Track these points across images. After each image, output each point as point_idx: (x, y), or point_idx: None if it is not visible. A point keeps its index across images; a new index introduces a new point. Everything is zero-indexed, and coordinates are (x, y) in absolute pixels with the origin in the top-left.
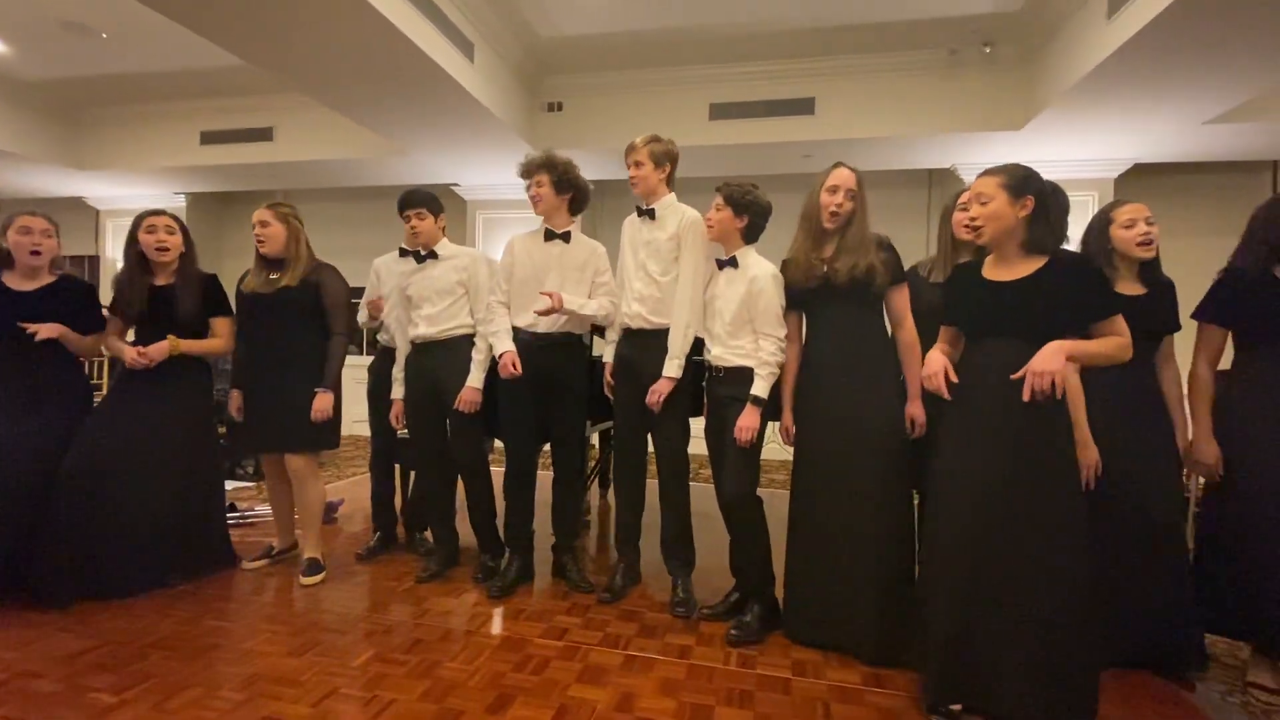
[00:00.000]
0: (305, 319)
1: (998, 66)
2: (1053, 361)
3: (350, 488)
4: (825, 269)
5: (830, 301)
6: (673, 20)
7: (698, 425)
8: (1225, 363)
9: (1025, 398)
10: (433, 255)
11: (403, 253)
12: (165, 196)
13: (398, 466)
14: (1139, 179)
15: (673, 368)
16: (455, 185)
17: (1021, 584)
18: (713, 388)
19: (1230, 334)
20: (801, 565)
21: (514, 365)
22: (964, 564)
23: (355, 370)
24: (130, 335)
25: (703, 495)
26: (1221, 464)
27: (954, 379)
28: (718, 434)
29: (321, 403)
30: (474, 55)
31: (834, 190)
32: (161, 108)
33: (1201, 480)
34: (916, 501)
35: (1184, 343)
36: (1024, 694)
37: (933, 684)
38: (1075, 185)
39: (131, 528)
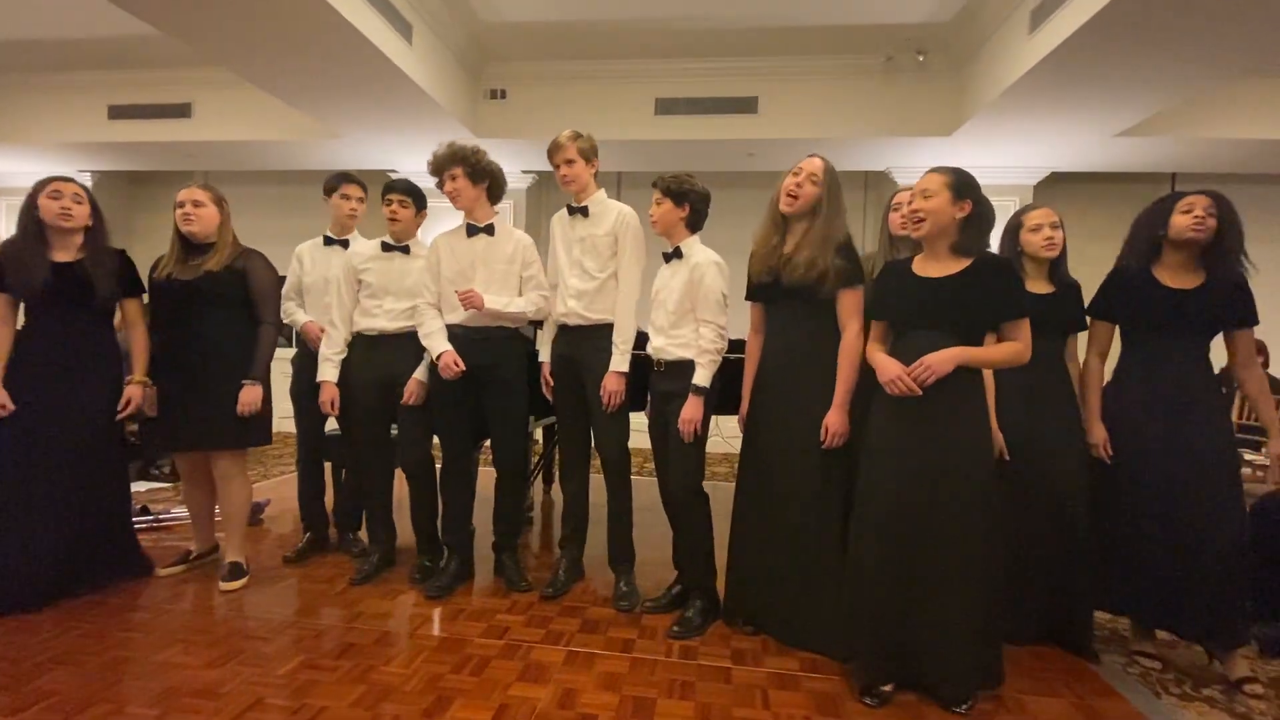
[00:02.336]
0: (230, 308)
1: (930, 74)
2: (942, 365)
3: (278, 487)
4: (780, 263)
5: (783, 297)
6: (619, 12)
7: (638, 419)
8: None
9: (918, 391)
10: (405, 250)
11: (328, 240)
12: (68, 175)
13: (328, 464)
14: (1056, 186)
15: (621, 361)
16: (393, 172)
17: (941, 562)
18: (655, 383)
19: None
20: (740, 553)
21: (456, 364)
22: (890, 545)
23: (281, 363)
24: (21, 316)
25: (646, 489)
26: (1108, 445)
27: (913, 387)
28: (661, 429)
29: (250, 395)
30: (412, 37)
31: (796, 172)
32: (64, 78)
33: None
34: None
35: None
36: (944, 666)
37: (865, 666)
38: (998, 191)
39: (28, 534)
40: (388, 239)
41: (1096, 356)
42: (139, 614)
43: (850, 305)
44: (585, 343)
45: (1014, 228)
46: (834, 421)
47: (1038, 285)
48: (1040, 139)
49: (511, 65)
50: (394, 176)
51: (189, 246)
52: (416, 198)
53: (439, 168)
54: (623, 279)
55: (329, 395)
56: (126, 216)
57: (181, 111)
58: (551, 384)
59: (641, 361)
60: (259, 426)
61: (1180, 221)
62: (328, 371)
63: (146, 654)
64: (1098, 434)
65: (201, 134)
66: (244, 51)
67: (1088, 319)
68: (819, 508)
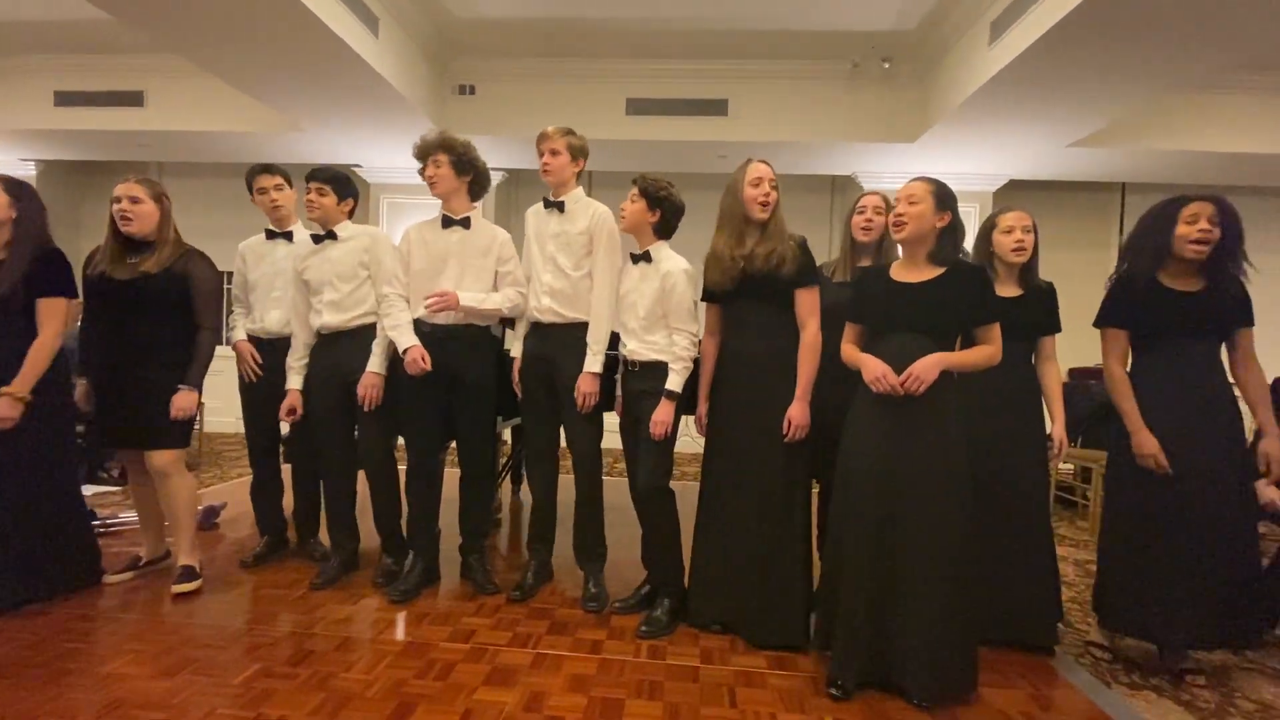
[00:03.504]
0: (169, 309)
1: (895, 82)
2: (930, 372)
3: (234, 490)
4: (744, 263)
5: (746, 296)
6: (590, 10)
7: (610, 419)
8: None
9: (900, 389)
10: (331, 236)
11: (269, 234)
12: (10, 163)
13: (286, 466)
14: (1014, 194)
15: (595, 363)
16: (358, 166)
17: (918, 562)
18: (627, 382)
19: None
20: (705, 552)
21: (423, 360)
22: (867, 545)
23: (221, 362)
24: None
25: (616, 489)
26: (1160, 456)
27: (896, 385)
28: (632, 428)
29: (184, 400)
30: (378, 29)
31: (758, 183)
32: (7, 61)
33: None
34: (817, 490)
35: (1063, 343)
36: (917, 665)
37: (839, 664)
38: (960, 197)
39: None
40: (317, 230)
41: (1117, 364)
42: (85, 623)
43: (808, 303)
44: (559, 341)
45: (988, 230)
46: (796, 414)
47: (1007, 289)
48: (999, 147)
49: (481, 61)
50: (359, 171)
51: (127, 243)
52: (338, 185)
53: (425, 151)
54: (597, 280)
55: (291, 403)
56: (73, 208)
57: (133, 99)
58: (518, 380)
59: (612, 361)
60: (181, 428)
61: (1184, 232)
62: (291, 379)
63: (92, 665)
64: (1149, 444)
65: (155, 123)
66: (200, 39)
67: (1100, 329)
68: (783, 502)
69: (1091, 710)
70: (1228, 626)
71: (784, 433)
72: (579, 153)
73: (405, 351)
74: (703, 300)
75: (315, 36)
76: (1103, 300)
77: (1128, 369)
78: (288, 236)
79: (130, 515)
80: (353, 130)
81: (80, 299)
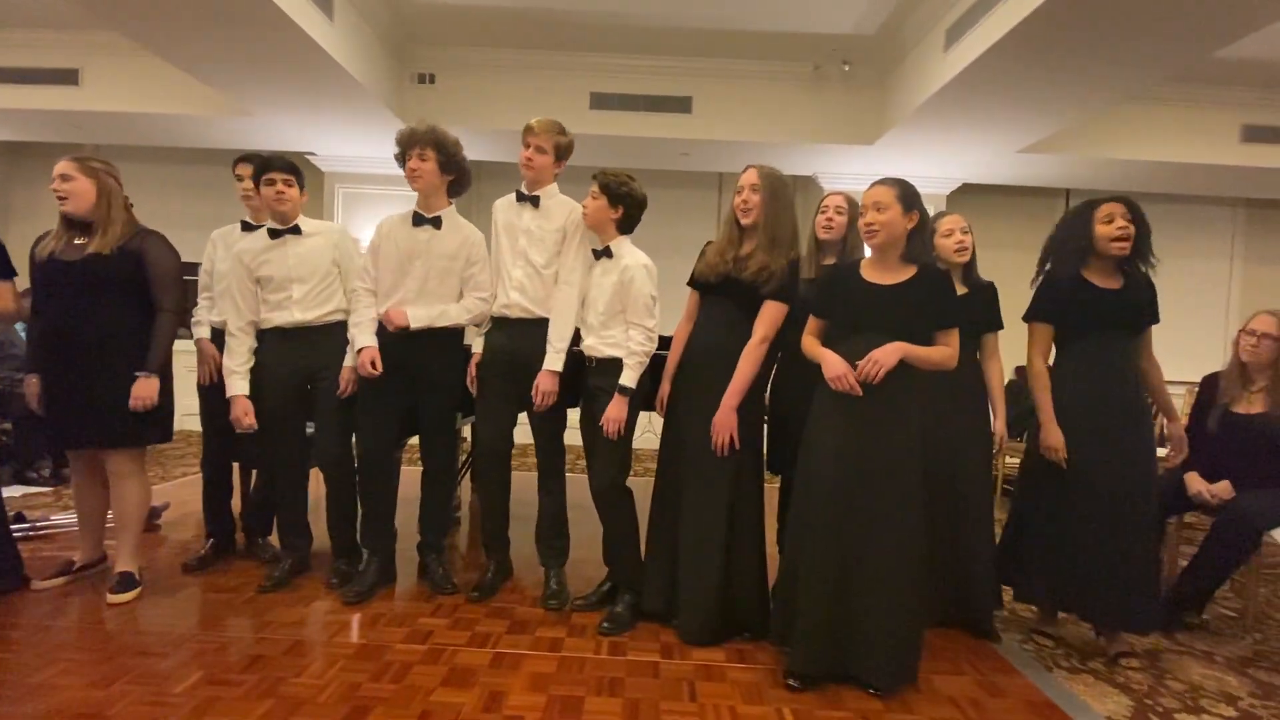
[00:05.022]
0: (122, 294)
1: (855, 84)
2: (890, 357)
3: (178, 489)
4: (732, 266)
5: (724, 296)
6: (555, 1)
7: (574, 416)
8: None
9: (859, 392)
10: (296, 230)
11: (246, 226)
12: None
13: (236, 464)
14: (967, 197)
15: (555, 361)
16: (311, 154)
17: (876, 556)
18: (587, 378)
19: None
20: (657, 545)
21: (373, 364)
22: (826, 540)
23: (185, 355)
24: None
25: (578, 486)
26: (1064, 449)
27: (855, 386)
28: (590, 424)
29: (143, 389)
30: (333, 13)
31: (740, 190)
32: None
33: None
34: (779, 486)
35: (1013, 341)
36: (877, 656)
37: (799, 657)
38: None
39: None
40: (273, 224)
41: (1040, 358)
42: (11, 631)
43: (769, 316)
44: (528, 337)
45: (928, 235)
46: (719, 419)
47: None
48: (953, 151)
49: (441, 49)
50: (312, 160)
51: (75, 224)
52: (299, 176)
53: (412, 141)
54: (564, 277)
55: (241, 409)
56: (3, 192)
57: (68, 78)
58: (474, 376)
59: (576, 357)
60: (157, 423)
61: (1104, 231)
62: (236, 385)
63: (20, 676)
64: (1054, 435)
65: (90, 103)
66: (139, 15)
67: (1028, 323)
68: (743, 494)
69: (1034, 694)
70: (1129, 610)
71: (717, 441)
72: (564, 153)
73: (359, 351)
74: (688, 285)
75: (264, 16)
76: (1032, 297)
77: (1050, 362)
78: (271, 231)
79: (62, 517)
80: (305, 117)
81: (13, 283)
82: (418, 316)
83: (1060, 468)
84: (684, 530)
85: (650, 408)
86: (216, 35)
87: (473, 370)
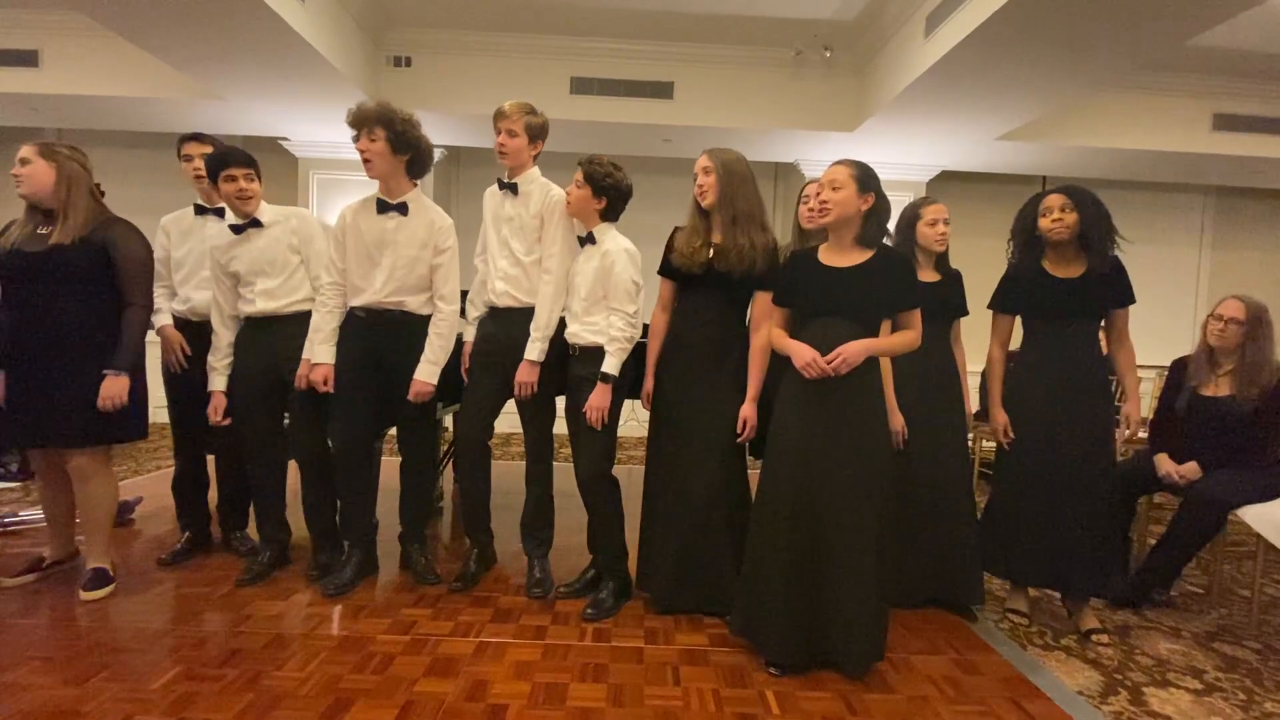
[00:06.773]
0: (89, 285)
1: (836, 71)
2: (857, 356)
3: (152, 483)
4: (712, 253)
5: (705, 286)
6: None
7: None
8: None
9: (830, 370)
10: (256, 224)
11: (199, 209)
12: None
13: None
14: (946, 184)
15: (534, 351)
16: (285, 140)
17: (842, 544)
18: (571, 367)
19: (1018, 319)
20: (649, 532)
21: (324, 383)
22: (792, 529)
23: (156, 348)
24: None
25: (564, 474)
26: (1010, 428)
27: (826, 368)
28: (575, 413)
29: (112, 387)
30: None
31: (694, 177)
32: None
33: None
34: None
35: (970, 325)
36: (846, 641)
37: (768, 647)
38: (895, 186)
39: None
40: (234, 220)
41: (999, 347)
42: None
43: (763, 306)
44: (517, 326)
45: (911, 220)
46: (750, 413)
47: (926, 274)
48: (933, 138)
49: (417, 32)
50: (286, 145)
51: (41, 214)
52: (256, 166)
53: (361, 121)
54: (545, 265)
55: (218, 405)
56: None
57: (26, 59)
58: (468, 366)
59: (564, 346)
60: (126, 420)
61: (1042, 224)
62: (216, 381)
63: None
64: (1000, 419)
65: (50, 86)
66: None
67: (991, 313)
68: (724, 484)
69: (1009, 671)
70: (1090, 578)
71: (738, 432)
72: (539, 133)
73: (313, 367)
74: (659, 274)
75: None
76: (995, 288)
77: (1009, 349)
78: (219, 213)
79: (31, 513)
80: (278, 101)
81: None
82: (429, 372)
83: (1023, 448)
84: (688, 521)
85: (635, 396)
86: (184, 17)
87: (465, 359)
